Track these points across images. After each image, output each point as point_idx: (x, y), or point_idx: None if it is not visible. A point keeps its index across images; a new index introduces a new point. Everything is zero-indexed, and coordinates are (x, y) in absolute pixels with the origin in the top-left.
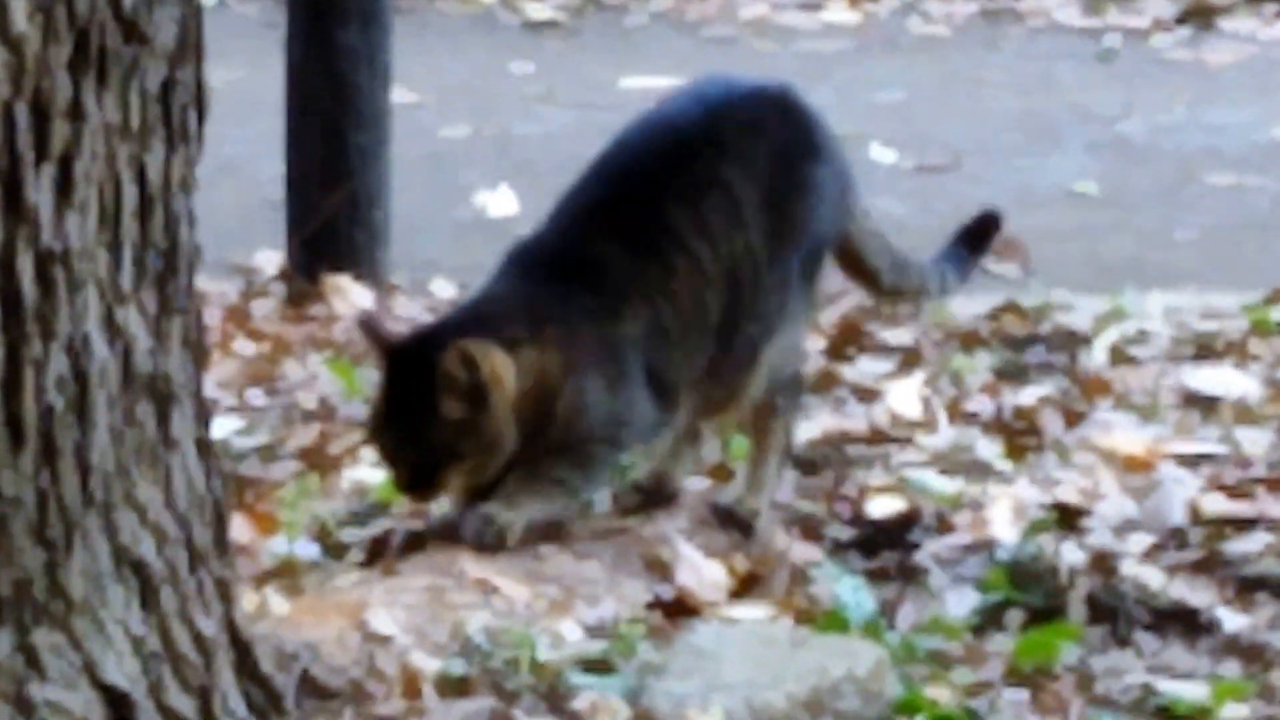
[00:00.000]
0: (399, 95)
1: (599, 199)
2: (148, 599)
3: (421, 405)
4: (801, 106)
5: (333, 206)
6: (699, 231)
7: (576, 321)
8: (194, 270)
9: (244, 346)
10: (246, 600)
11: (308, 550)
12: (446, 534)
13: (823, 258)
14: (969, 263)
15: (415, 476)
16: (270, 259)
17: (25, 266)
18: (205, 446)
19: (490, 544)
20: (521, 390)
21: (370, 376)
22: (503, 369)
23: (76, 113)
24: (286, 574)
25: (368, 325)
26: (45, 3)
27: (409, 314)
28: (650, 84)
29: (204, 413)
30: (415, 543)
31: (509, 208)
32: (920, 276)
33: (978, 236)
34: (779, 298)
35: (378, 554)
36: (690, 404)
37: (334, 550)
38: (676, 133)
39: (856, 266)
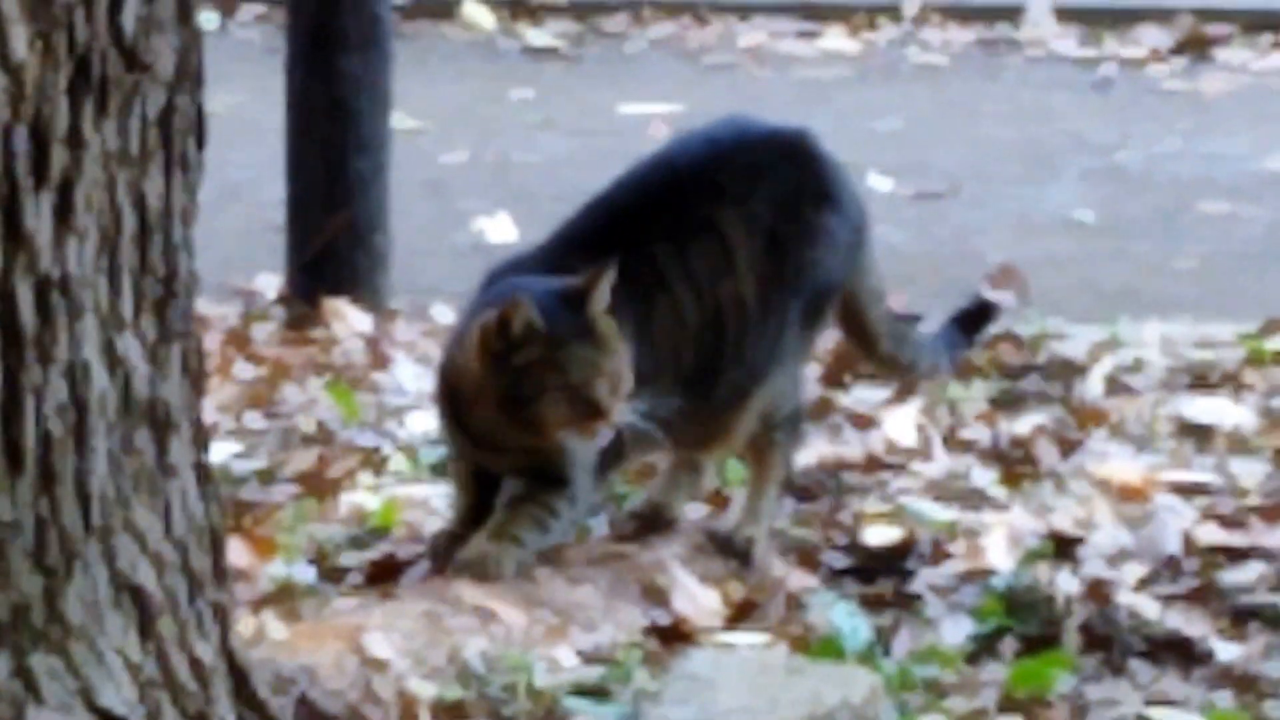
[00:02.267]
0: (399, 121)
1: (591, 233)
2: (146, 625)
3: (590, 328)
4: (815, 152)
5: (333, 231)
6: (684, 275)
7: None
8: (193, 297)
9: (244, 370)
10: (244, 624)
11: (306, 574)
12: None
13: (827, 304)
14: (962, 348)
15: (609, 389)
16: (270, 282)
17: (25, 293)
18: (204, 473)
19: (492, 576)
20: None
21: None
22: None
23: (76, 139)
24: (284, 598)
25: (504, 311)
26: (45, 29)
27: (408, 338)
28: (649, 110)
29: (202, 439)
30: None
31: (507, 233)
32: (915, 353)
33: (974, 321)
34: (773, 343)
35: (377, 578)
36: (670, 441)
37: (332, 574)
38: (676, 173)
39: (856, 326)
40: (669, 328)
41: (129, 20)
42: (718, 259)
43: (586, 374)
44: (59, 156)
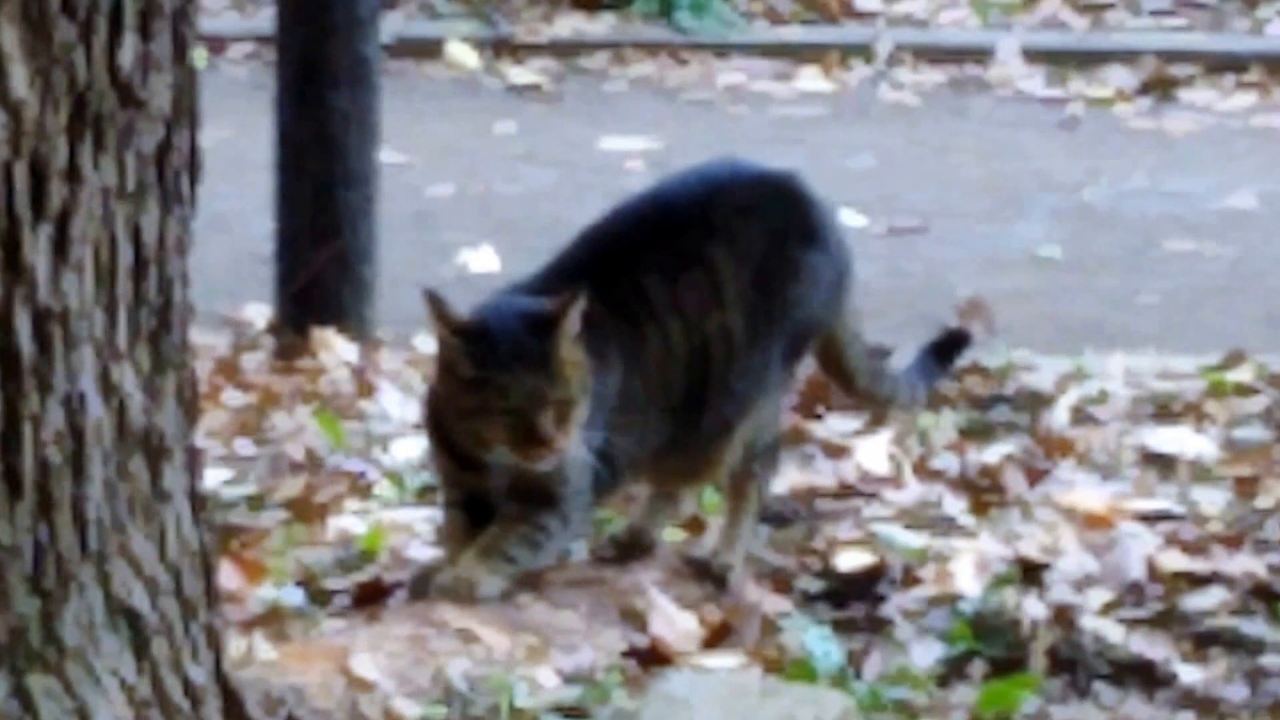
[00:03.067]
0: (386, 155)
1: (582, 261)
2: (140, 647)
3: (545, 354)
4: (804, 194)
5: (322, 263)
6: (673, 307)
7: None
8: (187, 328)
9: (233, 398)
10: (234, 645)
11: (294, 597)
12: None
13: (808, 341)
14: (936, 377)
15: (553, 419)
16: (259, 312)
17: (23, 324)
18: (197, 499)
19: (464, 598)
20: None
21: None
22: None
23: (74, 175)
24: (273, 620)
25: (433, 299)
26: (45, 67)
27: (393, 368)
28: (629, 146)
29: (195, 466)
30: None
31: (490, 265)
32: (893, 388)
33: (947, 351)
34: (758, 377)
35: (363, 601)
36: (654, 473)
37: (319, 597)
38: (669, 208)
39: (835, 363)
40: (659, 358)
41: (126, 59)
42: (707, 292)
43: (528, 400)
44: (57, 191)
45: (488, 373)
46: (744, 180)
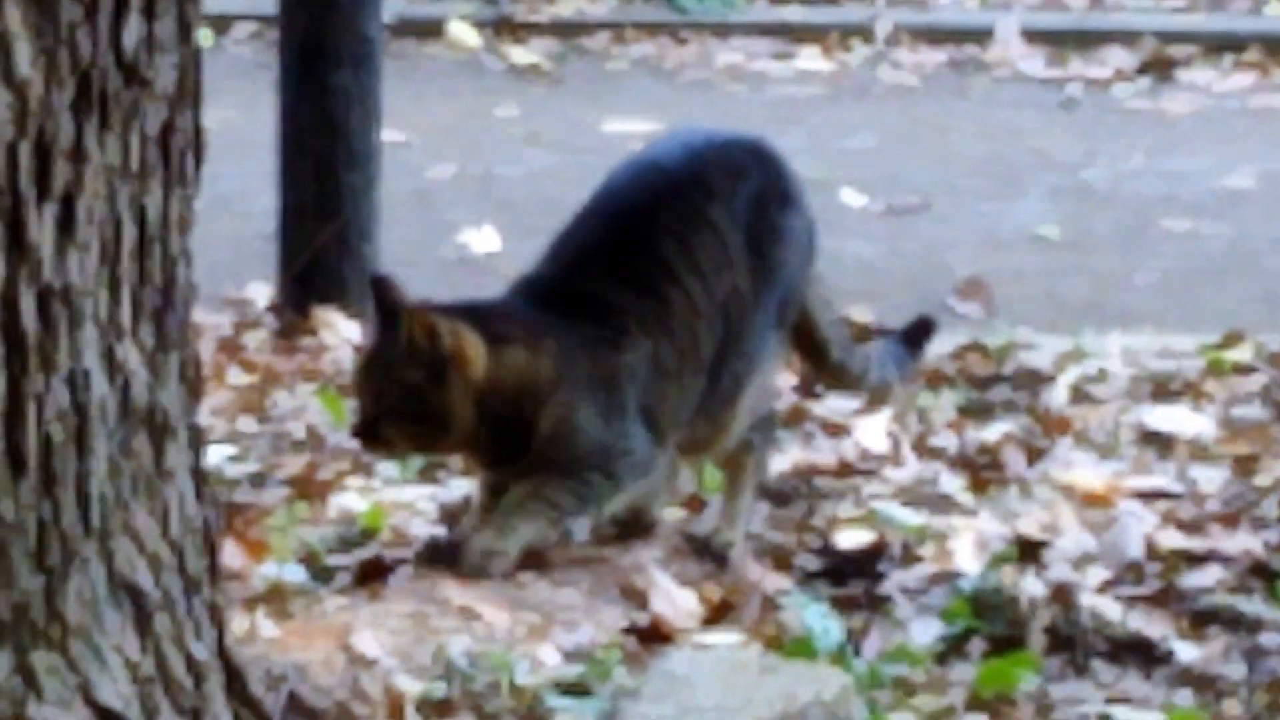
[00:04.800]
0: (388, 135)
1: (595, 237)
2: (142, 624)
3: (385, 363)
4: (776, 157)
5: (323, 242)
6: (691, 268)
7: (577, 344)
8: (190, 307)
9: (236, 376)
10: (237, 623)
11: (296, 575)
12: (434, 559)
13: (795, 304)
14: (908, 363)
15: (366, 426)
16: (261, 292)
17: (27, 302)
18: (199, 477)
19: (487, 572)
20: (499, 384)
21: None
22: (472, 352)
23: (78, 154)
24: (275, 598)
25: (380, 283)
26: (48, 47)
27: None
28: (630, 128)
29: (198, 444)
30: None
31: (492, 245)
32: (864, 363)
33: (916, 337)
34: (760, 337)
35: (365, 579)
36: (677, 441)
37: (322, 575)
38: (664, 174)
39: (807, 333)
40: (686, 318)
41: (130, 38)
42: (717, 252)
43: (356, 387)
44: (62, 171)
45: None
46: (722, 144)
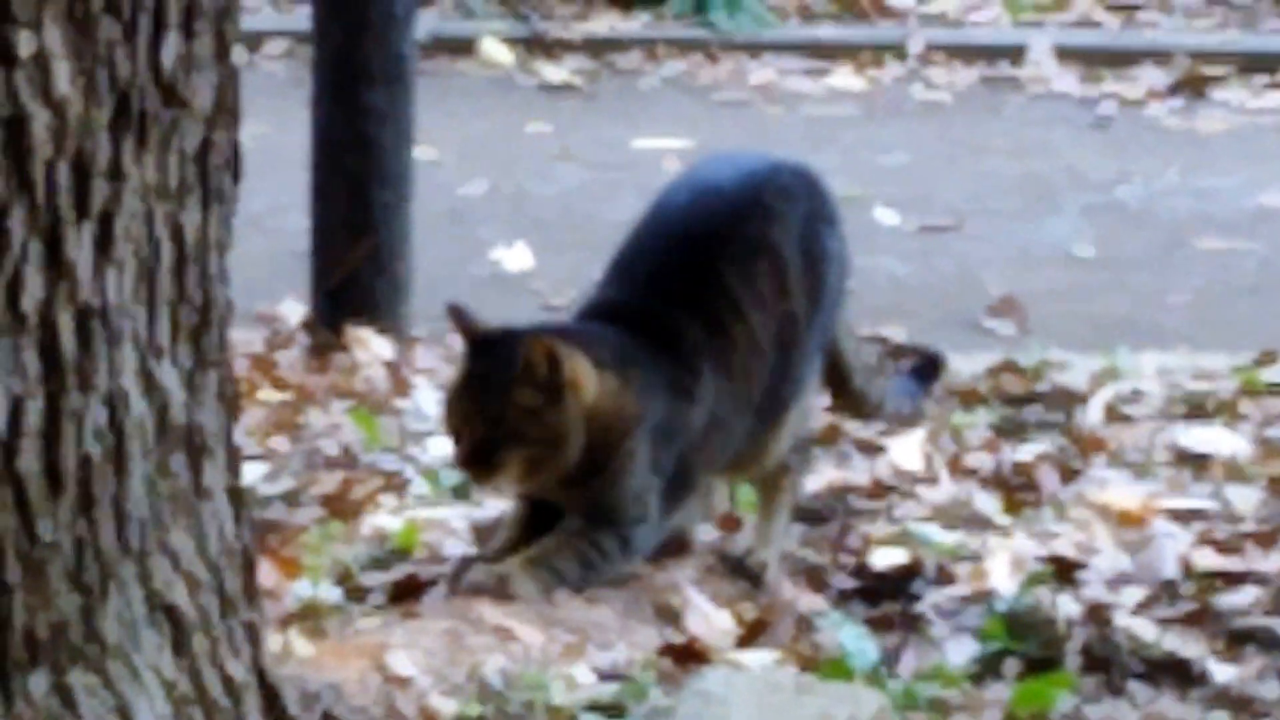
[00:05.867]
0: (420, 153)
1: (661, 262)
2: (180, 643)
3: (498, 386)
4: (819, 180)
5: (357, 260)
6: (754, 299)
7: (658, 382)
8: (227, 326)
9: (268, 394)
10: (271, 642)
11: (330, 594)
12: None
13: (832, 327)
14: (919, 397)
15: (477, 452)
16: (294, 309)
17: (65, 322)
18: (236, 496)
19: (497, 595)
20: (597, 411)
21: (392, 421)
22: (585, 378)
23: (116, 173)
24: (310, 617)
25: (457, 312)
26: (87, 66)
27: (428, 365)
28: (662, 145)
29: (235, 463)
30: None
31: (524, 263)
32: (882, 393)
33: (927, 374)
34: (809, 360)
35: (399, 598)
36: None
37: (355, 594)
38: (724, 198)
39: (832, 359)
40: (747, 361)
41: (169, 57)
42: (776, 278)
43: (458, 417)
44: (100, 189)
45: (457, 378)
46: (771, 166)
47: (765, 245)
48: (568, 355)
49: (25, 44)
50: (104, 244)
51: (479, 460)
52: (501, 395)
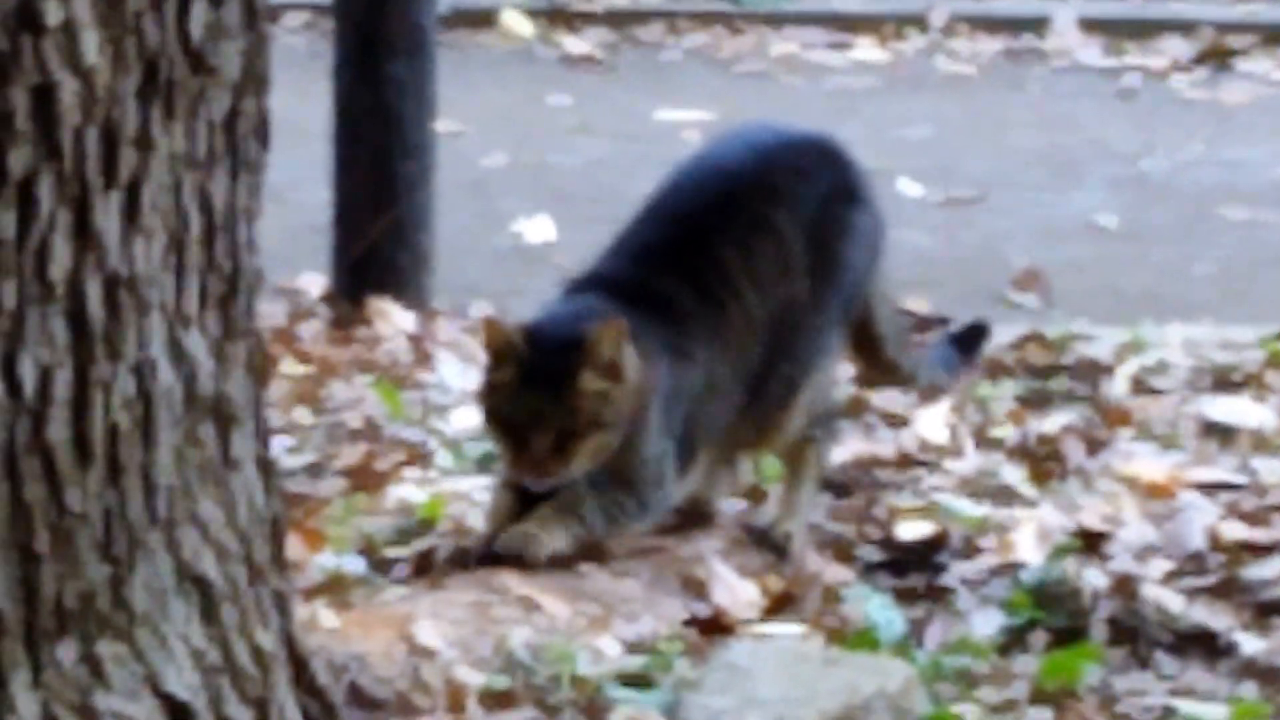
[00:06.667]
0: (441, 125)
1: (661, 238)
2: (208, 613)
3: (563, 377)
4: (844, 154)
5: (379, 232)
6: (750, 278)
7: (659, 348)
8: (256, 295)
9: (290, 367)
10: (297, 613)
11: (355, 565)
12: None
13: (859, 301)
14: (957, 366)
15: (553, 447)
16: (315, 282)
17: (93, 290)
18: (265, 465)
19: (528, 553)
20: (631, 386)
21: (415, 394)
22: (629, 354)
23: (144, 141)
24: (335, 589)
25: (492, 324)
26: (115, 34)
27: (450, 337)
28: (683, 117)
29: (264, 432)
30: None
31: (546, 234)
32: (915, 362)
33: (969, 342)
34: (819, 340)
35: (423, 569)
36: (722, 441)
37: (380, 566)
38: (729, 175)
39: (864, 328)
40: (741, 332)
41: (196, 26)
42: (777, 258)
43: (529, 420)
44: (128, 158)
45: (505, 381)
46: (789, 143)
47: (768, 225)
48: (626, 333)
49: (53, 12)
50: (132, 213)
51: (556, 454)
52: (569, 384)
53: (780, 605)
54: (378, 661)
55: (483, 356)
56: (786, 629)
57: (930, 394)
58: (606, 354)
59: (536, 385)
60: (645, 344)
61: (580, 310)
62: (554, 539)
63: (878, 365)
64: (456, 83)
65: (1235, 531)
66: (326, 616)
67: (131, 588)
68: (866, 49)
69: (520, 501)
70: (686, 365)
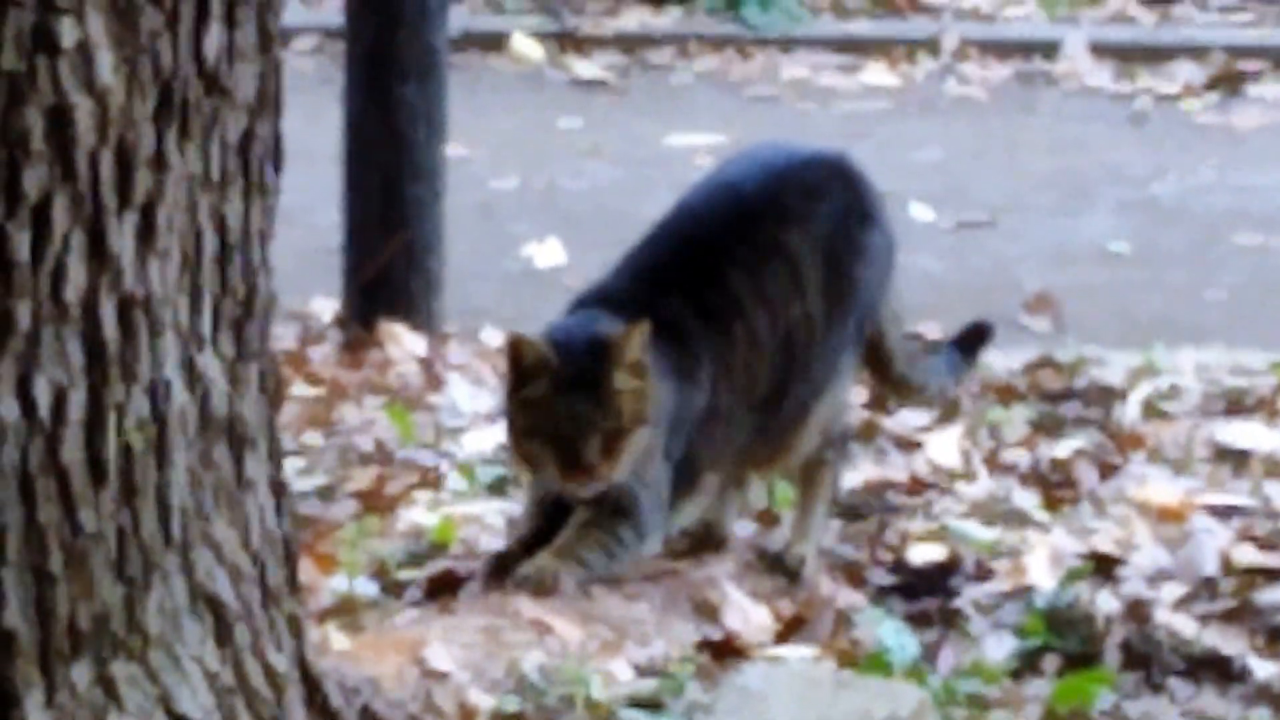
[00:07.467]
0: (451, 148)
1: (668, 260)
2: (222, 634)
3: (597, 380)
4: (858, 174)
5: (389, 255)
6: (759, 301)
7: (666, 370)
8: (270, 317)
9: (301, 390)
10: (309, 636)
11: (367, 589)
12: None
13: (872, 320)
14: (962, 369)
15: (597, 449)
16: (326, 305)
17: (108, 311)
18: (278, 487)
19: (544, 589)
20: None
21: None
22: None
23: (159, 163)
24: (347, 611)
25: (517, 343)
26: (130, 56)
27: (461, 361)
28: (694, 141)
29: (277, 454)
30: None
31: (556, 258)
32: (925, 376)
33: (971, 344)
34: (832, 361)
35: (435, 592)
36: (733, 463)
37: (392, 589)
38: (740, 197)
39: (874, 346)
40: (747, 356)
41: (211, 48)
42: (788, 280)
43: (574, 426)
44: (143, 179)
45: (540, 394)
46: (802, 162)
47: (778, 247)
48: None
49: (68, 34)
50: (147, 234)
51: (605, 456)
52: (606, 386)
53: (792, 629)
54: (390, 684)
55: (494, 379)
56: (799, 652)
57: (943, 417)
58: (633, 353)
59: (574, 393)
60: (655, 357)
61: (591, 320)
62: (567, 579)
63: (888, 381)
64: (467, 106)
65: (1248, 556)
66: (339, 639)
67: (145, 609)
68: (877, 73)
69: (547, 519)
70: (689, 387)
